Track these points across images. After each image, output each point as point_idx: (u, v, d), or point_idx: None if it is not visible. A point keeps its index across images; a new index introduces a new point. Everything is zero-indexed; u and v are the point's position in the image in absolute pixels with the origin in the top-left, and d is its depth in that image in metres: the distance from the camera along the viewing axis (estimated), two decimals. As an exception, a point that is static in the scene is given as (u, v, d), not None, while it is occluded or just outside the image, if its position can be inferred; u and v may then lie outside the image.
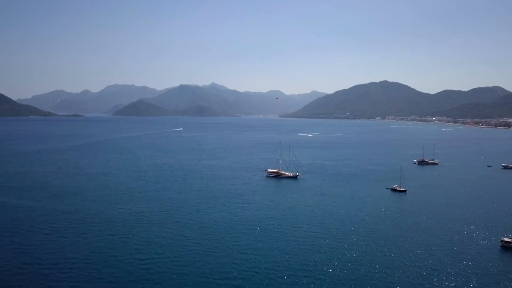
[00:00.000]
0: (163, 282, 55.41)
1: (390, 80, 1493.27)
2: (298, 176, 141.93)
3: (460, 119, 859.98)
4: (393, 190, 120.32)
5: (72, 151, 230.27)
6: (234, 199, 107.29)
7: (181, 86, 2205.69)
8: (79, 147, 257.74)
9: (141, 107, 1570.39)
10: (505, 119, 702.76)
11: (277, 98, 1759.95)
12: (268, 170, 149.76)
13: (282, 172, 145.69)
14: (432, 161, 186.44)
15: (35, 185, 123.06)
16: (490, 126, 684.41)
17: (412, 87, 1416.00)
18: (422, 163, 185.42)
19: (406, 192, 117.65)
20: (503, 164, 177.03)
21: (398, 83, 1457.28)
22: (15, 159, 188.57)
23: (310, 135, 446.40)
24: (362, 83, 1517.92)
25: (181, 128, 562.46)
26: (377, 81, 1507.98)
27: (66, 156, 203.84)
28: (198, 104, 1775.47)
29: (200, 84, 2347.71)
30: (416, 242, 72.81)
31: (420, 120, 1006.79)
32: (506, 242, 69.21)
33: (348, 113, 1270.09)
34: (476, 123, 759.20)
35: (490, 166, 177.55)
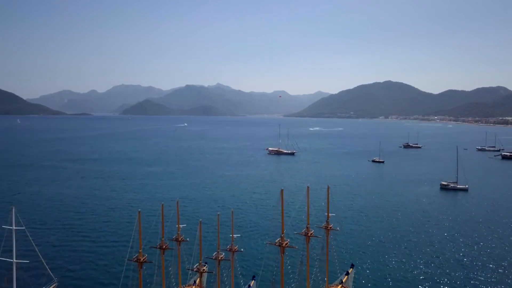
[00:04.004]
0: (196, 199, 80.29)
1: (394, 80, 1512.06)
2: (295, 153, 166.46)
3: (462, 118, 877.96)
4: (373, 161, 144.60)
5: (95, 138, 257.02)
6: (243, 165, 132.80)
7: (187, 87, 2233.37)
8: (100, 136, 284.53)
9: (147, 107, 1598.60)
10: (504, 118, 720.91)
11: (279, 96, 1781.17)
12: (269, 148, 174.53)
13: (282, 150, 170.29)
14: (416, 145, 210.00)
15: (78, 157, 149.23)
16: (488, 124, 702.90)
17: (415, 87, 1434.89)
18: (407, 147, 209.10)
19: (384, 162, 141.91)
20: (477, 147, 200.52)
21: (401, 83, 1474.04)
22: (49, 143, 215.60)
23: (311, 129, 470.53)
24: (366, 83, 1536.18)
25: (185, 124, 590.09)
26: (381, 81, 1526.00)
27: (92, 141, 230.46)
28: (203, 104, 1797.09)
29: (206, 85, 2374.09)
30: (382, 191, 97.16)
31: (422, 119, 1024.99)
32: (443, 184, 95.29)
33: (352, 113, 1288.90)
34: (476, 121, 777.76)
35: (466, 149, 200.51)
